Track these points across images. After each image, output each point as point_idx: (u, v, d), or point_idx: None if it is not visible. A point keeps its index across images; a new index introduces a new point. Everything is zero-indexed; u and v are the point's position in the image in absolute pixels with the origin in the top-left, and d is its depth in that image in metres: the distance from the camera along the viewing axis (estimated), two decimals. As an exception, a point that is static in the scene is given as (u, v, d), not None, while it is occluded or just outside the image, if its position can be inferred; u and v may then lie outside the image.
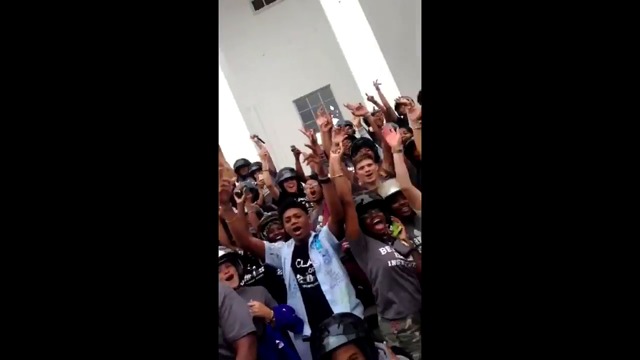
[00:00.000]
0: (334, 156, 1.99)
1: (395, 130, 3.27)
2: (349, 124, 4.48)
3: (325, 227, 2.08)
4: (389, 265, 1.91)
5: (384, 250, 1.95)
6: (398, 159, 2.13)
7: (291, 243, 2.16)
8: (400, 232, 2.08)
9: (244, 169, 4.66)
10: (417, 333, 1.87)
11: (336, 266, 2.03)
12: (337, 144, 2.01)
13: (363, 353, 1.36)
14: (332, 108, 9.62)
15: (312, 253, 2.05)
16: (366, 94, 4.17)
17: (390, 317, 1.92)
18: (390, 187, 2.31)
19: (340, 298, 1.98)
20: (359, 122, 4.01)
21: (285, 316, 1.98)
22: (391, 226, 2.10)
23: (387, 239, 2.04)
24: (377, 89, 4.22)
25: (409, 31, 7.67)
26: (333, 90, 9.24)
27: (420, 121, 2.28)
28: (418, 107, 2.41)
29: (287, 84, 9.04)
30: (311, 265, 2.02)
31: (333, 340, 1.35)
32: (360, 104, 3.08)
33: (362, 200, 2.06)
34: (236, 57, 8.24)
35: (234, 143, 6.00)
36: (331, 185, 1.94)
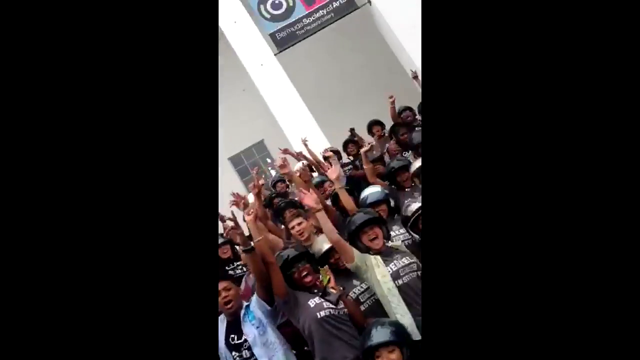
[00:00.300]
0: (248, 219, 1.99)
1: (321, 184, 3.33)
2: (283, 179, 4.50)
3: (254, 296, 2.05)
4: (319, 316, 1.89)
5: (313, 302, 1.93)
6: (320, 217, 2.06)
7: (223, 319, 2.08)
8: (328, 280, 2.07)
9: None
10: None
11: (272, 335, 1.98)
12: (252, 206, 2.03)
13: None
14: (268, 161, 9.70)
15: (245, 327, 1.99)
16: (295, 152, 4.21)
17: None
18: (323, 244, 2.31)
19: (280, 369, 1.91)
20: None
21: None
22: (320, 276, 2.09)
23: (318, 289, 2.01)
24: (305, 145, 4.30)
25: (326, 84, 8.13)
26: (267, 144, 9.37)
27: (339, 181, 2.31)
28: (335, 168, 2.48)
29: (221, 142, 9.03)
30: (246, 340, 1.96)
31: None
32: (283, 161, 3.08)
33: (288, 255, 2.04)
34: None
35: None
36: (255, 254, 1.94)
